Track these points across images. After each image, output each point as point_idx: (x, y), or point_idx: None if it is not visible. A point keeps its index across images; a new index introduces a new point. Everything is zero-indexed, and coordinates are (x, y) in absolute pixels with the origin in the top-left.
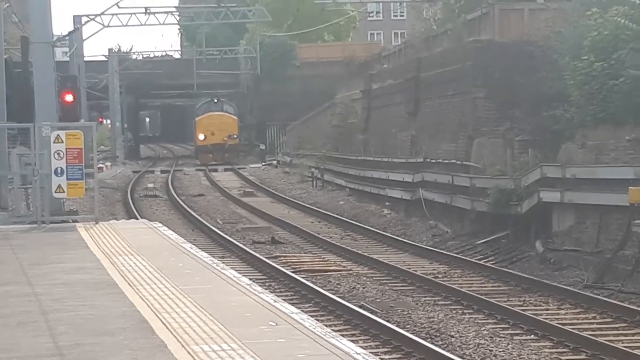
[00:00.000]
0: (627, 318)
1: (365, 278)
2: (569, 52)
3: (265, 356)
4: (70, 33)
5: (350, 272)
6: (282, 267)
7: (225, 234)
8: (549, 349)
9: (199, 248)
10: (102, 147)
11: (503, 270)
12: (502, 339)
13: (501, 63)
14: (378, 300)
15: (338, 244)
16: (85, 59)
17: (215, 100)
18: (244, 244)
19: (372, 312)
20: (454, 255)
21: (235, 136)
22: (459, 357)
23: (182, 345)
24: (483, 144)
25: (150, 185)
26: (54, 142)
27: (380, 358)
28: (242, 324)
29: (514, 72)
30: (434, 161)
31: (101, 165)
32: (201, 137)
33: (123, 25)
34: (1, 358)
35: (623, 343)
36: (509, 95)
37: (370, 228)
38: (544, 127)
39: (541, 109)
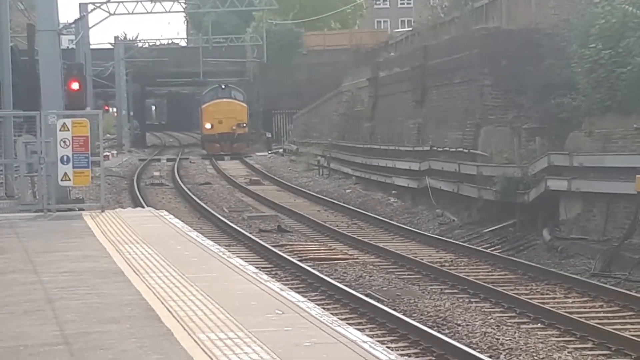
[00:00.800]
0: (634, 307)
1: (371, 266)
2: (576, 40)
3: (271, 344)
4: (76, 21)
5: (357, 260)
6: (288, 255)
7: (232, 222)
8: (556, 337)
9: (205, 236)
10: (108, 135)
11: (510, 258)
12: (509, 328)
13: (509, 51)
14: (384, 288)
15: (344, 232)
16: (92, 46)
17: (223, 87)
18: (250, 232)
19: (378, 300)
20: (461, 243)
21: (244, 125)
22: (466, 345)
23: (189, 334)
24: (490, 132)
25: (157, 174)
26: (60, 130)
27: (386, 346)
28: (248, 313)
29: (521, 59)
30: (440, 149)
31: (107, 153)
32: (208, 125)
33: (129, 13)
34: (8, 346)
35: (630, 332)
36: (517, 83)
37: (377, 216)
38: (551, 115)
39: (548, 97)
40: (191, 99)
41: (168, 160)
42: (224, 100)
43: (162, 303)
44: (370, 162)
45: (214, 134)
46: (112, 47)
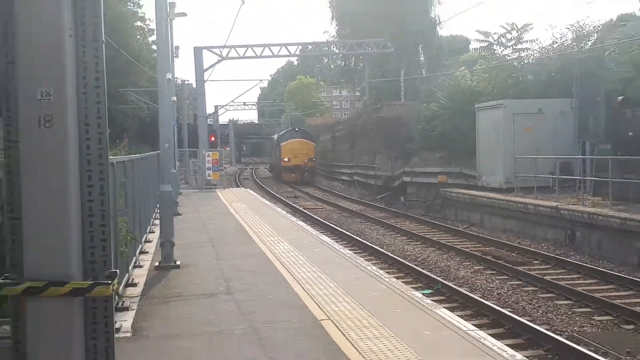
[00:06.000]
0: (432, 223)
1: (343, 212)
2: (415, 120)
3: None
4: (213, 113)
5: (325, 209)
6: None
7: (273, 191)
8: (403, 238)
9: (265, 199)
10: (226, 158)
11: (386, 208)
12: (382, 233)
13: (387, 127)
14: (343, 224)
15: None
16: (219, 123)
17: (297, 129)
18: (276, 193)
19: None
20: (366, 202)
21: (314, 159)
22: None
23: (259, 238)
24: (380, 157)
25: (246, 174)
26: (207, 156)
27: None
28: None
29: (395, 131)
30: (360, 164)
31: (226, 166)
32: (286, 159)
33: (240, 57)
34: (186, 243)
35: (432, 236)
36: (390, 140)
37: (334, 191)
38: (405, 150)
39: (405, 145)
40: (263, 143)
41: (250, 169)
42: (298, 140)
43: (251, 229)
44: (333, 170)
45: (290, 165)
46: (227, 123)
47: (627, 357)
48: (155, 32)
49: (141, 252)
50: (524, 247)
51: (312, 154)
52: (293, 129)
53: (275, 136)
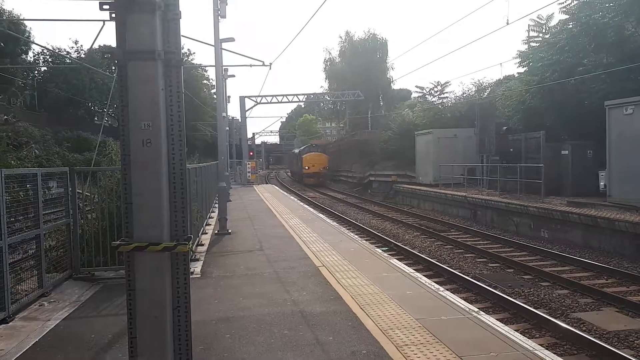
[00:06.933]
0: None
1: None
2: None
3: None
4: (251, 137)
5: (320, 197)
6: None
7: (287, 185)
8: (371, 214)
9: (286, 192)
10: (259, 166)
11: (360, 197)
12: (355, 209)
13: (366, 146)
14: (335, 205)
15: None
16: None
17: (314, 145)
18: (288, 185)
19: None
20: (347, 192)
21: (327, 167)
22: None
23: (279, 214)
24: (355, 165)
25: (272, 176)
26: (247, 164)
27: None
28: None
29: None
30: (343, 169)
31: (259, 170)
32: (306, 167)
33: (269, 103)
34: (232, 219)
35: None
36: (365, 153)
37: (326, 186)
38: (371, 160)
39: (370, 156)
40: (285, 155)
41: (274, 172)
42: (315, 153)
43: (275, 209)
44: (336, 173)
45: (310, 172)
46: (260, 144)
47: (508, 288)
48: (215, 87)
49: (206, 225)
50: (445, 221)
51: (326, 163)
52: (311, 145)
53: (297, 150)
